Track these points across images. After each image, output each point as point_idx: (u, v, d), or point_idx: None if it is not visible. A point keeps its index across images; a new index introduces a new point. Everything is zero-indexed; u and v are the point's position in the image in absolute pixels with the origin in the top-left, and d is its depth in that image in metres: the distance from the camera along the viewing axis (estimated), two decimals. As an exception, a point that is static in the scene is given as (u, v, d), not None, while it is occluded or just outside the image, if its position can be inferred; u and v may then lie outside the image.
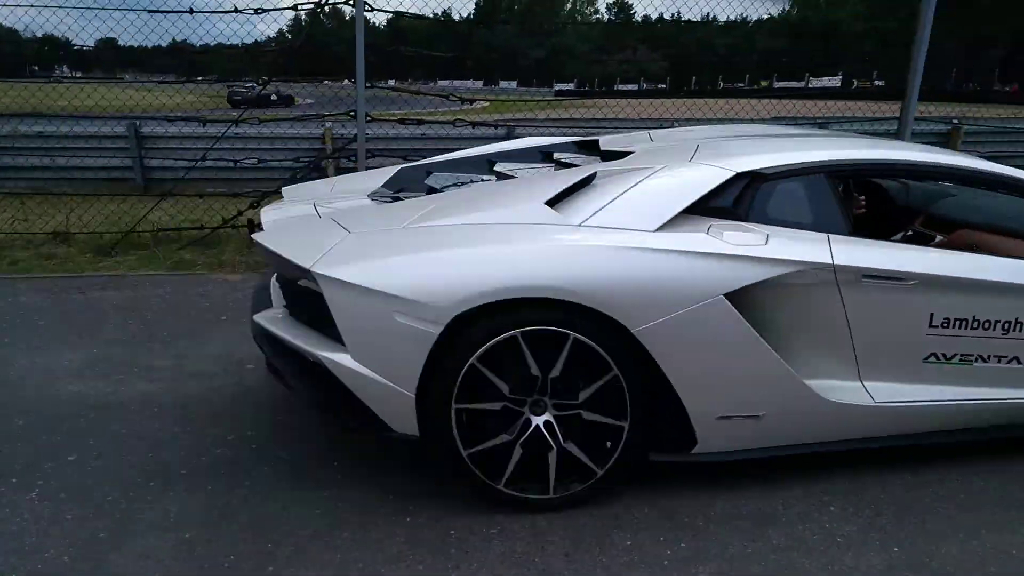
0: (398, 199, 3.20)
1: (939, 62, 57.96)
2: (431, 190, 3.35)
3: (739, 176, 2.63)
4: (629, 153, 3.18)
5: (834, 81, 57.19)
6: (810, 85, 54.95)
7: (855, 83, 54.59)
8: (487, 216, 2.61)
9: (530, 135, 6.06)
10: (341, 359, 2.33)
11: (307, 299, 2.46)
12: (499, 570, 2.24)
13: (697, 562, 2.30)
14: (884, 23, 60.90)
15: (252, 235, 2.77)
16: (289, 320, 2.69)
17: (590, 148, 3.84)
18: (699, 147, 2.96)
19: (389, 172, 3.70)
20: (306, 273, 2.35)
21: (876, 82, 52.05)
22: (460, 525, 2.45)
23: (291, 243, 2.56)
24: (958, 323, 2.65)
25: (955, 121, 9.65)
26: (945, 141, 9.81)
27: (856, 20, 63.16)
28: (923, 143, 9.71)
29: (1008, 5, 56.80)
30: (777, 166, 2.69)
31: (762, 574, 2.26)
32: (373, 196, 3.30)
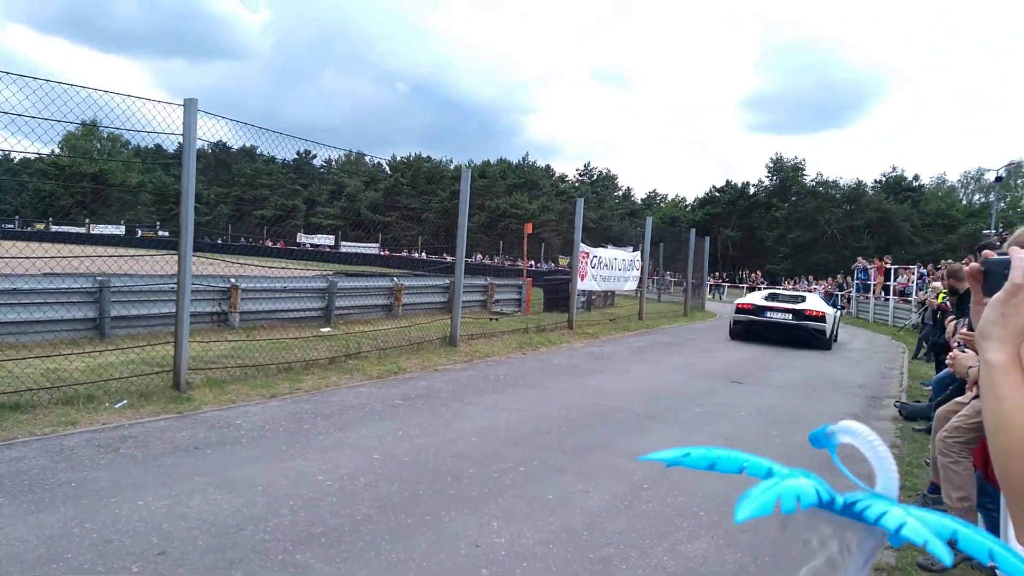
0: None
1: (215, 218, 63.57)
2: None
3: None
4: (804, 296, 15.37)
5: (118, 229, 56.49)
6: (92, 231, 53.02)
7: (139, 232, 55.08)
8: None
9: None
10: None
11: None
12: None
13: None
14: (159, 177, 63.98)
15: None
16: None
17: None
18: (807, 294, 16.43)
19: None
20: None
21: (160, 232, 53.60)
22: None
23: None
24: None
25: (233, 280, 10.39)
26: (227, 297, 10.45)
27: (129, 171, 64.41)
28: (209, 299, 10.16)
29: (267, 175, 66.77)
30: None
31: None
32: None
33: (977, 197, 60.94)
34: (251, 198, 68.23)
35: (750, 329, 14.56)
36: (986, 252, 1.23)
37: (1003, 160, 62.05)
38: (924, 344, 12.97)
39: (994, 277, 1.27)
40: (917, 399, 8.45)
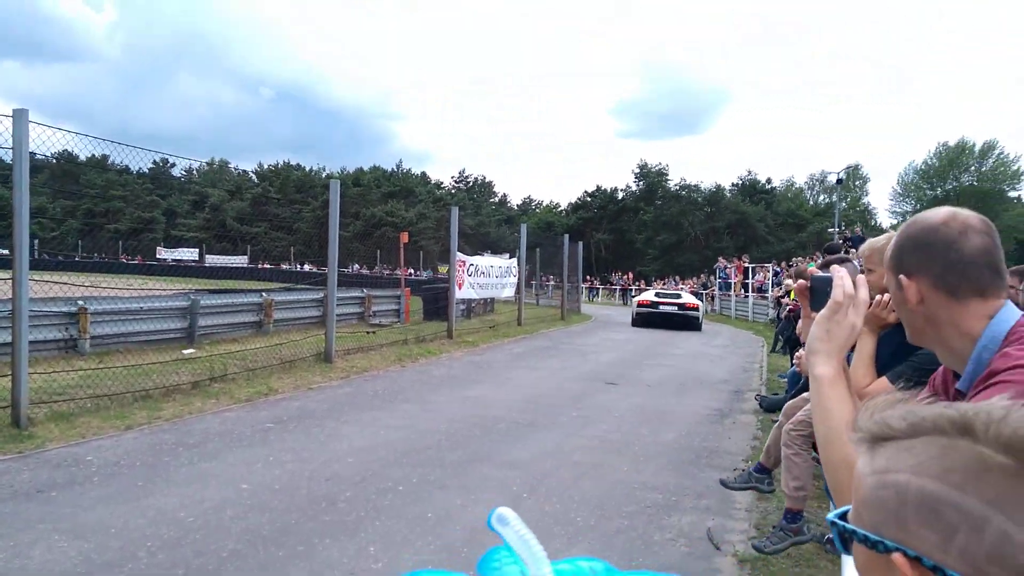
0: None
1: (63, 234, 58.71)
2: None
3: None
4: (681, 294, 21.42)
5: (-54, 248, 50.90)
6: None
7: (-27, 251, 49.91)
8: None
9: None
10: None
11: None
12: None
13: None
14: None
15: None
16: None
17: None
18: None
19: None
20: None
21: (0, 251, 48.89)
22: None
23: None
24: None
25: (81, 303, 9.60)
26: (75, 321, 9.65)
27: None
28: (54, 324, 9.34)
29: (121, 186, 62.46)
30: None
31: None
32: None
33: (822, 198, 66.07)
34: (103, 211, 63.56)
35: (648, 318, 19.62)
36: (811, 269, 1.30)
37: (843, 163, 67.64)
38: (780, 338, 13.87)
39: (819, 294, 1.35)
40: (776, 391, 9.01)
